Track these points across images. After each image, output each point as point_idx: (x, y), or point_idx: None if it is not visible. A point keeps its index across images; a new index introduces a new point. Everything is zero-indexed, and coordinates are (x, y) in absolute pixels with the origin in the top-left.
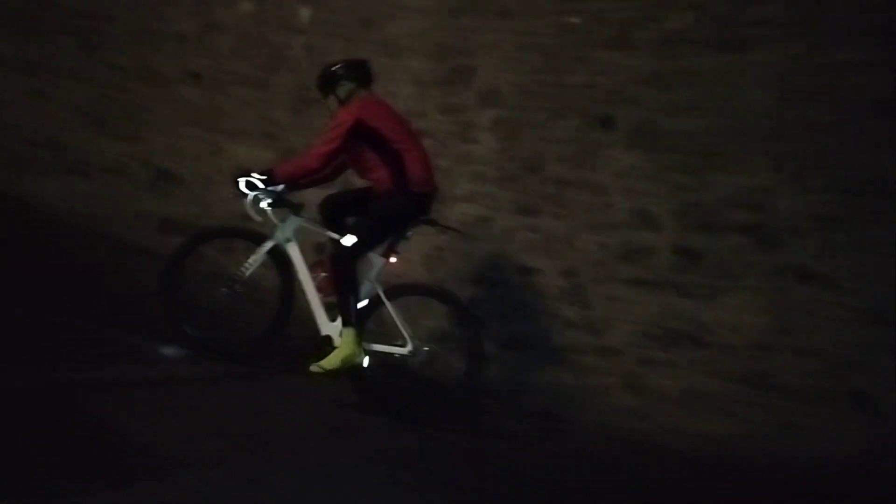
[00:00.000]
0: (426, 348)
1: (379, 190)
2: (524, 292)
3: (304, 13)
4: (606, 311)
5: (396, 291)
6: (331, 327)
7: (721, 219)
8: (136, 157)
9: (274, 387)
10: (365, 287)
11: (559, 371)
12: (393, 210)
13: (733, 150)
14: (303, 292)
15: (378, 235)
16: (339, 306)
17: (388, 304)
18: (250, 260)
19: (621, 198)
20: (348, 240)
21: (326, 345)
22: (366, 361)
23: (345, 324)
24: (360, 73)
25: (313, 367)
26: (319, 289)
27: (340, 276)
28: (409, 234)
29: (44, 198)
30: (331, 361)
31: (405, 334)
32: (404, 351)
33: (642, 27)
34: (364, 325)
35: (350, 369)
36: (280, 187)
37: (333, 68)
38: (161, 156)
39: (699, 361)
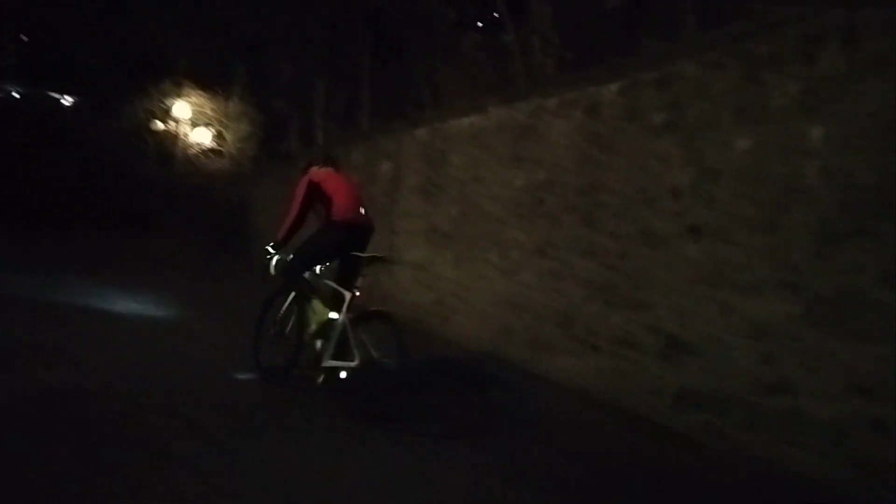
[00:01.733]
0: (381, 360)
1: None
2: None
3: (816, 133)
4: None
5: (358, 319)
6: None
7: None
8: (644, 326)
9: None
10: (340, 319)
11: None
12: (319, 235)
13: None
14: None
15: (310, 253)
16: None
17: (349, 330)
18: (284, 308)
19: None
20: (291, 256)
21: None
22: (343, 374)
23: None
24: (324, 157)
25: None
26: None
27: (288, 279)
28: (365, 272)
29: (559, 372)
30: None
31: (354, 352)
32: (352, 364)
33: None
34: (343, 348)
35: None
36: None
37: (309, 159)
38: (669, 321)
39: None
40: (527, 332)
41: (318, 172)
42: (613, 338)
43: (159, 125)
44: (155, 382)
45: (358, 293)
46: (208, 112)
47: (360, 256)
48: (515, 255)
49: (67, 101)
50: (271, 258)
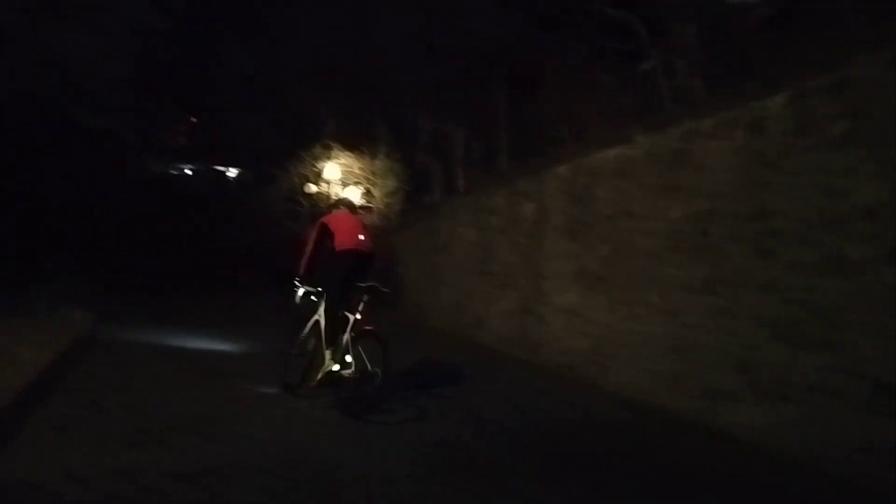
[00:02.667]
0: (371, 368)
1: None
2: None
3: None
4: None
5: (357, 337)
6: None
7: None
8: (844, 370)
9: None
10: (345, 337)
11: None
12: (329, 269)
13: None
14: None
15: (332, 288)
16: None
17: (350, 346)
18: (304, 332)
19: None
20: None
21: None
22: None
23: (327, 347)
24: (345, 202)
25: (312, 383)
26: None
27: (327, 320)
28: (365, 297)
29: (740, 426)
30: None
31: (352, 362)
32: (348, 371)
33: None
34: (344, 358)
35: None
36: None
37: (333, 202)
38: (875, 364)
39: None
40: (697, 381)
41: (330, 215)
42: (806, 385)
43: (312, 188)
44: (307, 457)
45: (360, 316)
46: (356, 171)
47: (360, 285)
48: (677, 294)
49: (232, 172)
50: (297, 289)
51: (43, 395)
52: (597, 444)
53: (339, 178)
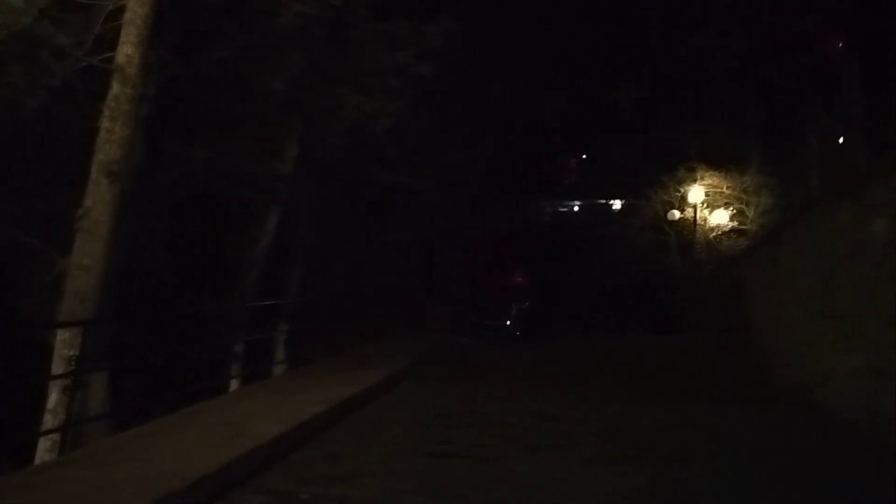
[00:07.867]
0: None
1: None
2: None
3: None
4: None
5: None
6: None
7: None
8: None
9: None
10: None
11: None
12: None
13: None
14: None
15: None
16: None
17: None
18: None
19: None
20: None
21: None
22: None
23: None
24: None
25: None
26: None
27: None
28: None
29: None
30: None
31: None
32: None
33: None
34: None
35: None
36: None
37: None
38: None
39: None
40: None
41: None
42: None
43: (675, 214)
44: None
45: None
46: (724, 191)
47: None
48: None
49: (616, 204)
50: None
51: None
52: None
53: (703, 200)
